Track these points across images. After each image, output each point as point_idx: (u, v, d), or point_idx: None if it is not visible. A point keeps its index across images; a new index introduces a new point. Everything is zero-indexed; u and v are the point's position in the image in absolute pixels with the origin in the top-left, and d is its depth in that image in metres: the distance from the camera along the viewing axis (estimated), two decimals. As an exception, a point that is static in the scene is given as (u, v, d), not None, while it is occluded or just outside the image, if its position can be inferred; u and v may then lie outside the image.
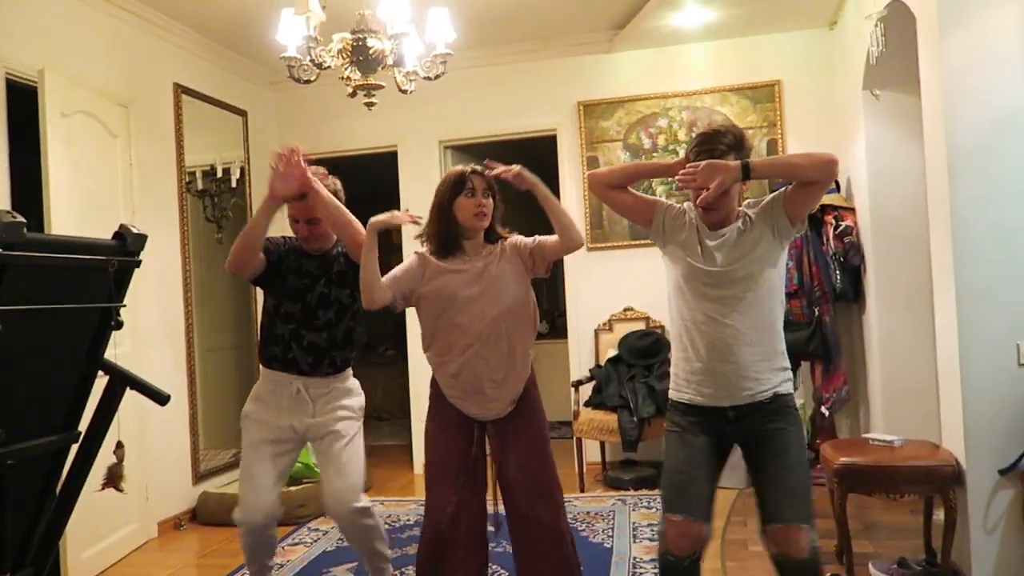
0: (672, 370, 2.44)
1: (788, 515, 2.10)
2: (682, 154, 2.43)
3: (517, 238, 2.59)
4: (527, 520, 2.46)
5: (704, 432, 2.33)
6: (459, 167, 2.57)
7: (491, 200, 2.52)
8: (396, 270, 2.54)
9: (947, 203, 2.94)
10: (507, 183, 2.48)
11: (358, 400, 2.89)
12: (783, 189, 2.31)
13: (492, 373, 2.47)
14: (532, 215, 2.67)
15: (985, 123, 2.91)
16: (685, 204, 2.45)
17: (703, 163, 2.21)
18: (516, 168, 2.43)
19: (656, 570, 2.72)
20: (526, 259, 2.53)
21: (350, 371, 2.91)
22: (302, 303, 2.76)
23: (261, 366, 2.86)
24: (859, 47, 4.10)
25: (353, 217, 2.63)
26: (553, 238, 2.48)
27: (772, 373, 2.30)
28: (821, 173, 2.21)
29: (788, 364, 2.38)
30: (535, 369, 2.62)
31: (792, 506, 2.11)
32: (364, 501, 2.79)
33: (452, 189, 2.51)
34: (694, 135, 2.38)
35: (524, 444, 2.50)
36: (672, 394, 2.43)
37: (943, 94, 2.95)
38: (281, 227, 2.87)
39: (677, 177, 2.29)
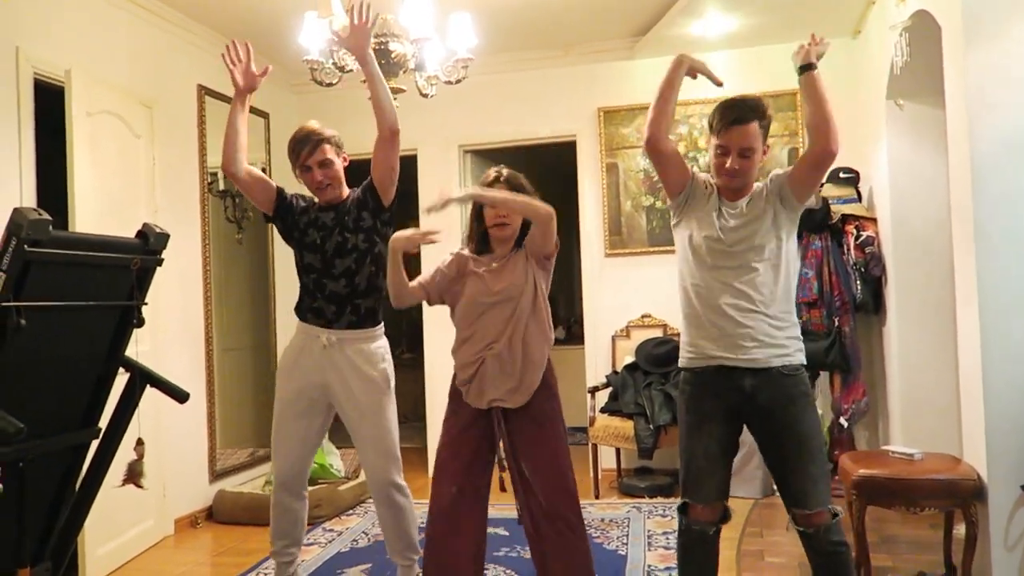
0: (682, 339, 2.55)
1: (814, 501, 2.36)
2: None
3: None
4: (550, 515, 2.49)
5: (722, 417, 2.45)
6: (494, 170, 2.66)
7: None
8: (426, 274, 2.68)
9: (970, 215, 2.91)
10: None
11: (385, 368, 2.96)
12: (791, 167, 2.48)
13: (508, 370, 2.53)
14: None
15: (1009, 135, 2.87)
16: (706, 175, 2.59)
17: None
18: (440, 197, 2.52)
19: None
20: (532, 252, 2.60)
21: (377, 331, 2.97)
22: (321, 253, 2.89)
23: (298, 321, 2.98)
24: (883, 57, 4.07)
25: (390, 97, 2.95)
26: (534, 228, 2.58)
27: (786, 340, 2.41)
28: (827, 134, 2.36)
29: (800, 334, 2.48)
30: (553, 367, 2.65)
31: (817, 493, 2.37)
32: (400, 478, 2.93)
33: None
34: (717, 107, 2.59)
35: (545, 443, 2.55)
36: (684, 362, 2.53)
37: (967, 105, 2.92)
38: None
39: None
